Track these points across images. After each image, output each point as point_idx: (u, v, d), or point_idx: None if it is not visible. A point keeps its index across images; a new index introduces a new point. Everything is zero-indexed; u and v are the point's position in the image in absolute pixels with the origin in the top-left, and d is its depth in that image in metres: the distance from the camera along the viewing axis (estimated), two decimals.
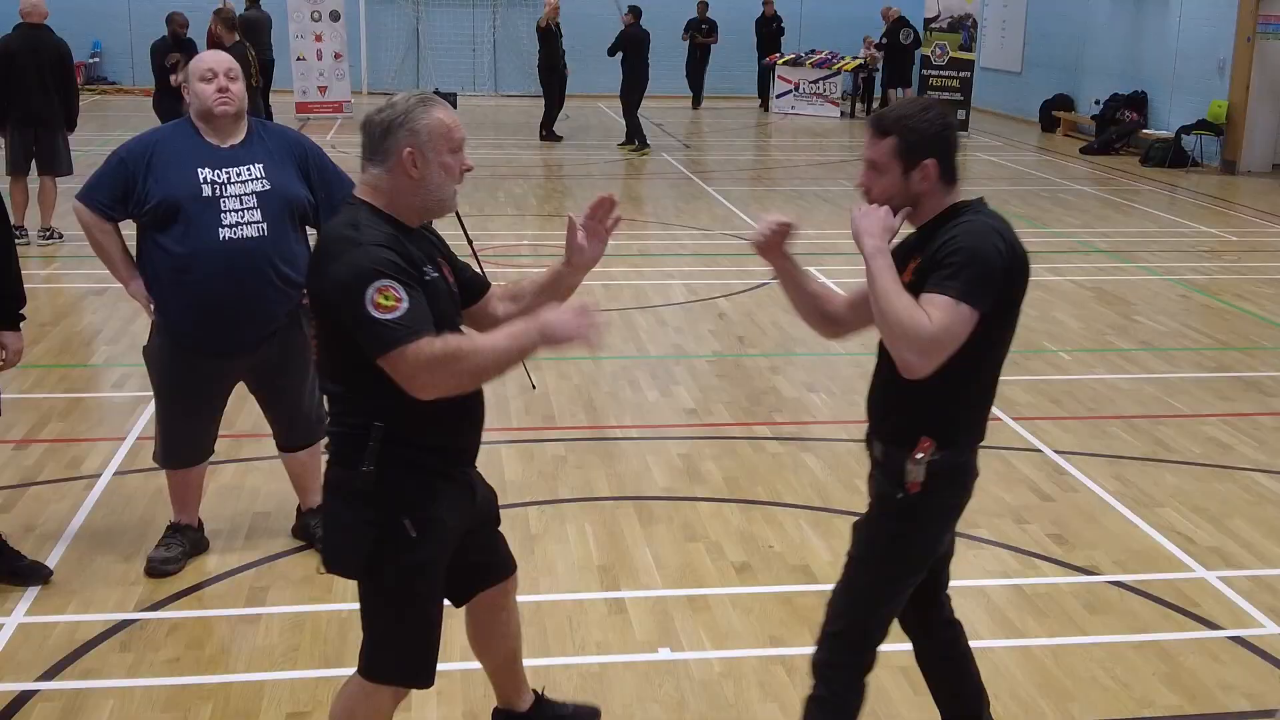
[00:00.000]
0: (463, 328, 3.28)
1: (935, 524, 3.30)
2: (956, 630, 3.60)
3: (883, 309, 3.03)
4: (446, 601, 3.40)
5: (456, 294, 3.32)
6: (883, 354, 3.24)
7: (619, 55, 18.11)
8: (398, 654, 3.29)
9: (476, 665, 4.24)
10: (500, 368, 3.11)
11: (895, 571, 3.31)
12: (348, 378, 3.15)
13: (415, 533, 3.16)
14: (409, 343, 2.96)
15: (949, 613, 3.59)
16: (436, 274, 3.18)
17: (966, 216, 3.15)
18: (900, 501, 3.21)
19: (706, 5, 23.08)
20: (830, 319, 3.53)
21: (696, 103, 23.72)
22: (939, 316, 2.99)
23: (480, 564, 3.53)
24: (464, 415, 3.27)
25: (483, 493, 3.46)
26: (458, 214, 7.14)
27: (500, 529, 3.63)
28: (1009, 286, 3.12)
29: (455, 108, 7.47)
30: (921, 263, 3.13)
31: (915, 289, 3.07)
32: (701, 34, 23.01)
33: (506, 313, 3.44)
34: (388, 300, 2.96)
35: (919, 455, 3.15)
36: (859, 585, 3.33)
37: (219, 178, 4.63)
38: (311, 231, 4.96)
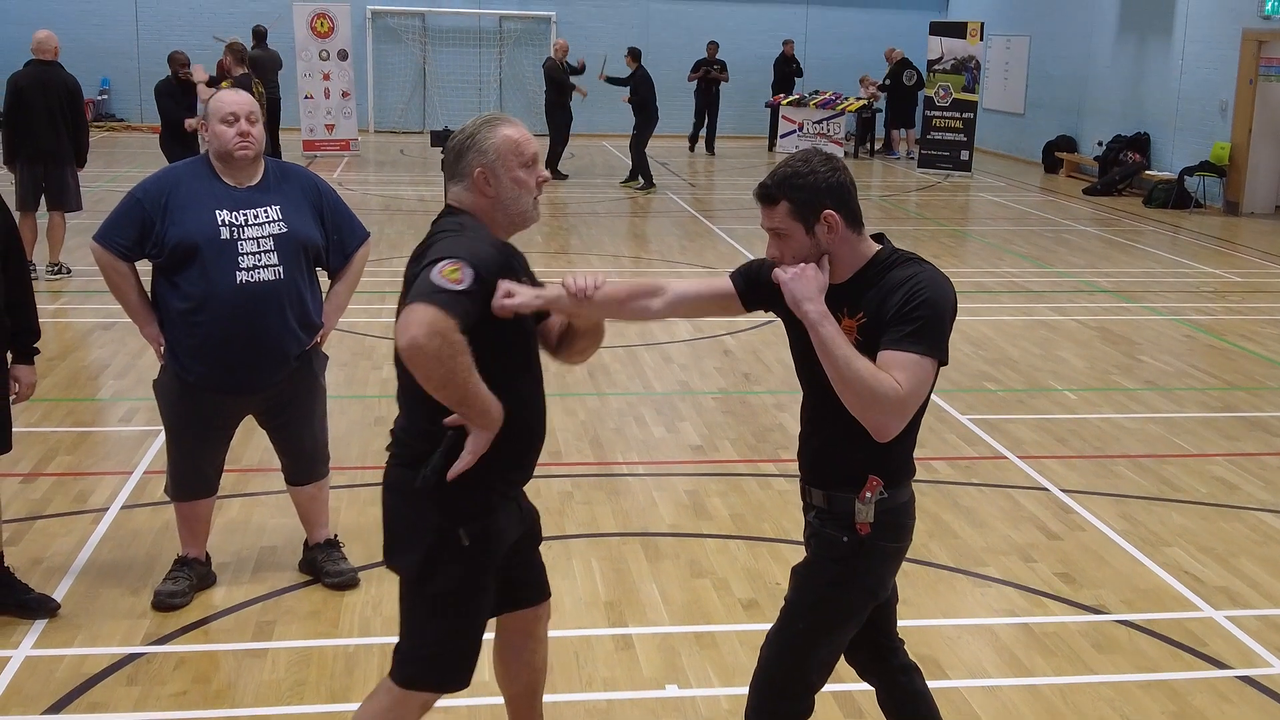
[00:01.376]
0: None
1: (878, 567, 3.25)
2: (912, 675, 3.54)
3: (845, 377, 2.97)
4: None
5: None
6: (817, 408, 3.21)
7: (626, 95, 18.25)
8: (434, 661, 3.31)
9: (483, 701, 4.24)
10: (464, 400, 3.06)
11: (834, 618, 3.25)
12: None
13: (469, 542, 3.21)
14: (437, 306, 2.95)
15: (904, 657, 3.54)
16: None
17: (908, 268, 3.10)
18: (845, 545, 3.17)
19: (717, 46, 22.75)
20: (637, 314, 3.42)
21: (707, 145, 22.92)
22: (906, 377, 2.97)
23: (516, 580, 3.51)
24: (531, 437, 3.35)
25: (527, 507, 3.52)
26: None
27: (539, 552, 3.64)
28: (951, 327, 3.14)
29: None
30: (866, 320, 3.08)
31: (862, 347, 3.04)
32: (714, 72, 22.39)
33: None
34: (453, 274, 3.02)
35: (868, 495, 3.13)
36: (795, 630, 3.27)
37: (236, 220, 4.64)
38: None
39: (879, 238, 3.24)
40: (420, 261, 3.11)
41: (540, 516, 3.63)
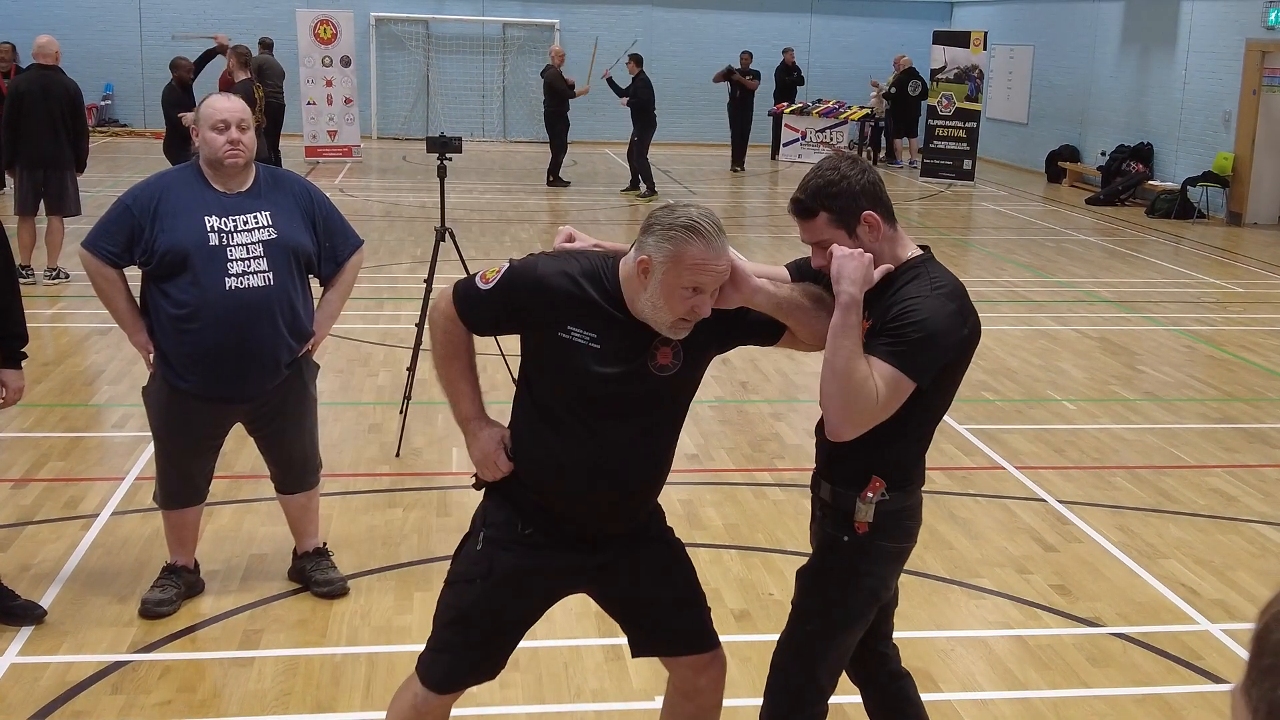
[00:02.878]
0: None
1: (881, 568, 3.24)
2: (904, 682, 3.51)
3: (840, 369, 2.94)
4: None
5: (650, 378, 3.10)
6: None
7: (626, 101, 18.21)
8: (427, 650, 3.34)
9: (475, 711, 4.21)
10: (442, 379, 3.30)
11: (841, 618, 3.24)
12: (516, 397, 3.29)
13: (481, 545, 3.25)
14: (450, 293, 3.23)
15: (895, 664, 3.51)
16: (597, 346, 3.04)
17: (921, 285, 3.05)
18: (847, 545, 3.18)
19: (751, 56, 22.03)
20: None
21: (738, 161, 21.39)
22: (884, 390, 2.96)
23: (647, 628, 3.40)
24: (573, 493, 3.18)
25: (631, 567, 3.30)
26: (459, 253, 7.15)
27: (687, 605, 3.40)
28: (957, 357, 3.08)
29: (460, 152, 7.47)
30: (873, 324, 3.05)
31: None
32: (736, 75, 21.32)
33: None
34: (490, 273, 3.16)
35: (869, 495, 3.12)
36: (804, 634, 3.27)
37: (226, 225, 4.61)
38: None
39: (924, 249, 3.21)
40: None
41: (694, 570, 3.41)
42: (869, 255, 3.03)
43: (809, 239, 3.12)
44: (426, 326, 3.33)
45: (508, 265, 3.15)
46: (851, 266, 2.99)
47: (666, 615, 3.39)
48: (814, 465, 3.35)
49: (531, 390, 3.21)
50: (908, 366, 2.97)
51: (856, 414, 2.96)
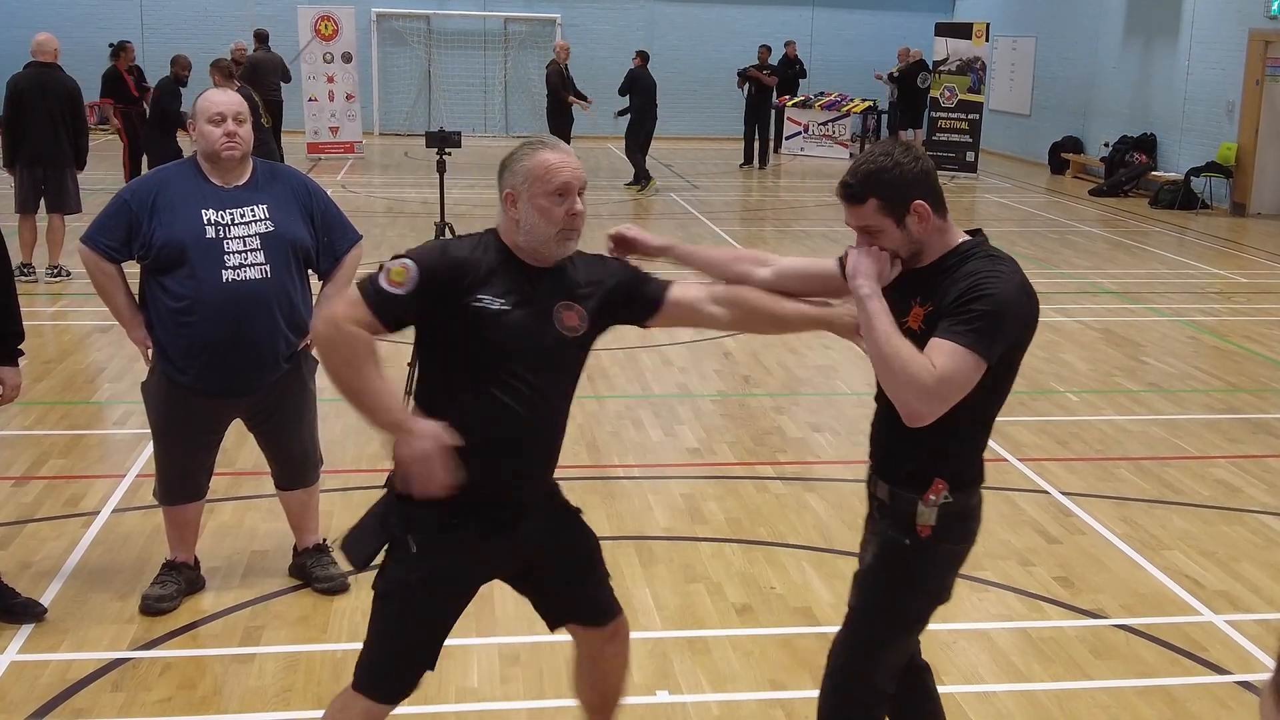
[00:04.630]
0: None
1: (942, 570, 3.19)
2: (923, 675, 3.49)
3: (884, 354, 2.91)
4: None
5: (559, 337, 3.26)
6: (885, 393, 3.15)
7: (626, 97, 18.18)
8: (372, 665, 3.28)
9: (471, 707, 4.21)
10: (349, 396, 3.11)
11: (901, 620, 3.20)
12: (421, 382, 3.29)
13: (415, 549, 3.18)
14: (355, 302, 3.10)
15: (917, 655, 3.48)
16: (507, 307, 3.16)
17: (983, 263, 3.02)
18: (908, 548, 3.10)
19: (769, 50, 21.79)
20: (740, 278, 3.54)
21: (760, 160, 21.13)
22: (944, 363, 2.88)
23: (562, 599, 3.50)
24: (485, 456, 3.18)
25: (549, 538, 3.39)
26: None
27: (596, 575, 3.51)
28: (1022, 336, 3.04)
29: (458, 146, 7.46)
30: (933, 309, 3.00)
31: (925, 336, 2.96)
32: (751, 71, 21.01)
33: (763, 279, 3.47)
34: (395, 276, 3.10)
35: (931, 498, 3.05)
36: (863, 636, 3.22)
37: (222, 219, 4.60)
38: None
39: (975, 233, 3.16)
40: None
41: (598, 542, 3.52)
42: (885, 253, 3.04)
43: (856, 224, 3.07)
44: (317, 344, 3.21)
45: (411, 261, 3.12)
46: (867, 263, 3.02)
47: (579, 587, 3.50)
48: (868, 460, 3.25)
49: (447, 367, 3.21)
50: (976, 343, 2.90)
51: (916, 387, 2.89)
